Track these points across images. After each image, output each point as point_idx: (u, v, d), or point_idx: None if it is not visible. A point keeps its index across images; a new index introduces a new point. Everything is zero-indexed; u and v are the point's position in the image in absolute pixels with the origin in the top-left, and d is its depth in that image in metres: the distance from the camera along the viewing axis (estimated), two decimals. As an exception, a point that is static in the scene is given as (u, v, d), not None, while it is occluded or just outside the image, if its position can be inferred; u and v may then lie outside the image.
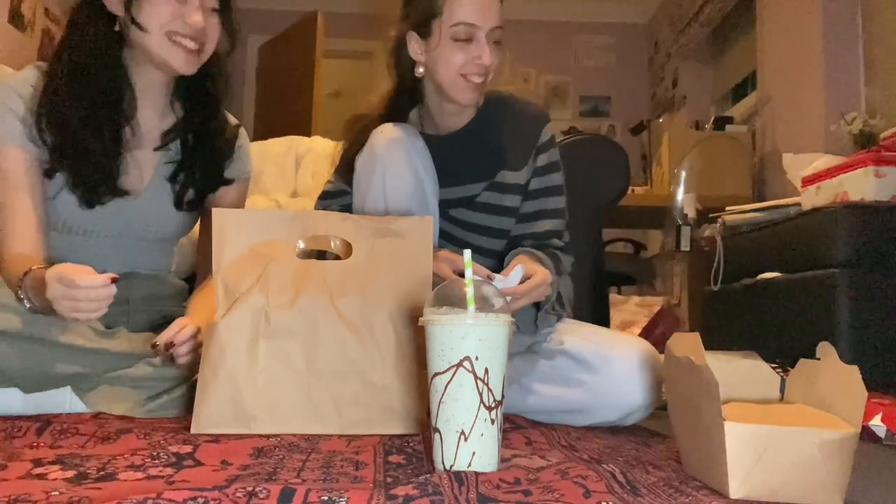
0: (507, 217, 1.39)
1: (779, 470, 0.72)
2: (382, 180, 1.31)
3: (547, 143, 1.42)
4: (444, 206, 1.38)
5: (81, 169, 1.23)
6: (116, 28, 1.25)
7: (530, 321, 1.29)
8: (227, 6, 1.30)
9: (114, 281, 1.06)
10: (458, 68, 1.30)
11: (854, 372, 0.76)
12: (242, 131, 1.46)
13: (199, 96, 1.37)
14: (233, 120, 1.45)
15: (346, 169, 1.41)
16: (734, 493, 0.72)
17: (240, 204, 1.46)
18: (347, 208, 1.38)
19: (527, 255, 1.27)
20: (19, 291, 1.11)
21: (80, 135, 1.21)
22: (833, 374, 0.81)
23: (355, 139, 1.39)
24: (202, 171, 1.36)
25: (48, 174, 1.24)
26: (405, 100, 1.40)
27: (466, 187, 1.39)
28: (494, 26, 1.29)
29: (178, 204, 1.36)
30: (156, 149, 1.33)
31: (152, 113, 1.34)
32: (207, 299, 1.19)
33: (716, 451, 0.74)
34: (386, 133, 1.33)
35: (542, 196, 1.40)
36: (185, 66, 1.26)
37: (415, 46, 1.34)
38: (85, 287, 1.03)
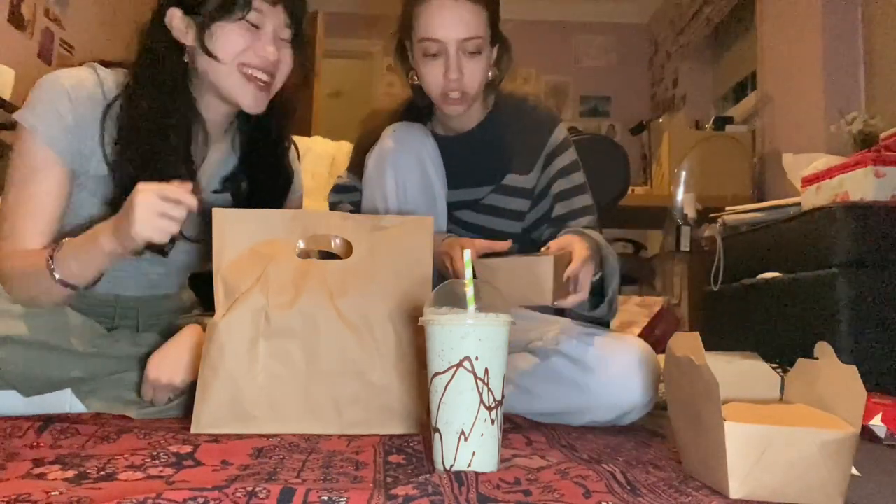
0: (511, 220, 1.39)
1: (779, 470, 0.72)
2: (393, 180, 1.31)
3: (560, 145, 1.40)
4: (450, 207, 1.38)
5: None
6: (185, 59, 1.20)
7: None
8: (300, 37, 1.24)
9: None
10: (432, 85, 1.28)
11: (853, 372, 0.76)
12: (293, 152, 1.39)
13: (262, 135, 1.30)
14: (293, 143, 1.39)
15: (357, 165, 1.40)
16: (734, 494, 0.72)
17: None
18: (358, 205, 1.38)
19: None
20: (50, 262, 1.06)
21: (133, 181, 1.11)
22: (832, 374, 0.81)
23: (368, 136, 1.38)
24: None
25: (112, 204, 1.15)
26: (422, 100, 1.38)
27: (472, 190, 1.39)
28: (464, 38, 1.24)
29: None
30: (214, 191, 1.27)
31: (215, 151, 1.28)
32: None
33: (716, 451, 0.74)
34: (397, 132, 1.33)
35: (570, 196, 1.39)
36: (255, 104, 1.20)
37: (409, 54, 1.34)
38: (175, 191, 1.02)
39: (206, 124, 1.25)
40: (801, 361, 0.88)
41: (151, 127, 1.16)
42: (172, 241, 1.15)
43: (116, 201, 1.12)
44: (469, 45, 1.25)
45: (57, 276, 1.06)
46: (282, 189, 1.35)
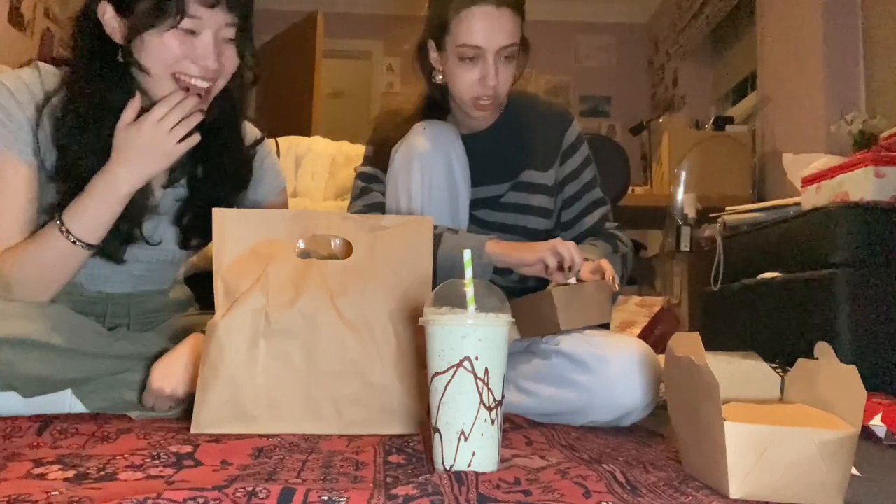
0: (535, 216, 1.40)
1: (779, 470, 0.72)
2: (419, 178, 1.31)
3: (573, 144, 1.44)
4: (469, 207, 1.38)
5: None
6: (119, 59, 1.12)
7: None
8: (247, 30, 1.15)
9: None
10: (466, 89, 1.30)
11: (853, 372, 0.76)
12: (265, 146, 1.35)
13: (212, 122, 1.21)
14: (253, 133, 1.34)
15: (382, 159, 1.39)
16: (734, 494, 0.72)
17: None
18: (384, 195, 1.38)
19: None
20: (61, 225, 1.07)
21: (88, 177, 1.11)
22: (832, 374, 0.81)
23: (389, 133, 1.38)
24: (210, 211, 1.14)
25: (48, 211, 1.14)
26: (440, 98, 1.40)
27: (491, 187, 1.40)
28: (503, 46, 1.26)
29: (185, 245, 1.27)
30: (164, 186, 1.22)
31: None
32: None
33: (716, 451, 0.74)
34: (427, 130, 1.33)
35: (581, 195, 1.45)
36: (197, 108, 1.13)
37: (433, 54, 1.35)
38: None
39: None
40: (800, 361, 0.88)
41: (87, 126, 1.12)
42: (126, 243, 1.17)
43: (62, 204, 1.12)
44: (506, 52, 1.28)
45: (73, 237, 1.07)
46: (238, 178, 1.29)
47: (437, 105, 1.40)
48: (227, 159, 1.27)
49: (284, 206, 1.42)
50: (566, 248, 1.20)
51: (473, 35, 1.26)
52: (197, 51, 1.10)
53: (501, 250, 1.25)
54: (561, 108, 1.49)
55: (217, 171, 1.26)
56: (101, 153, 1.12)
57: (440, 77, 1.35)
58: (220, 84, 1.17)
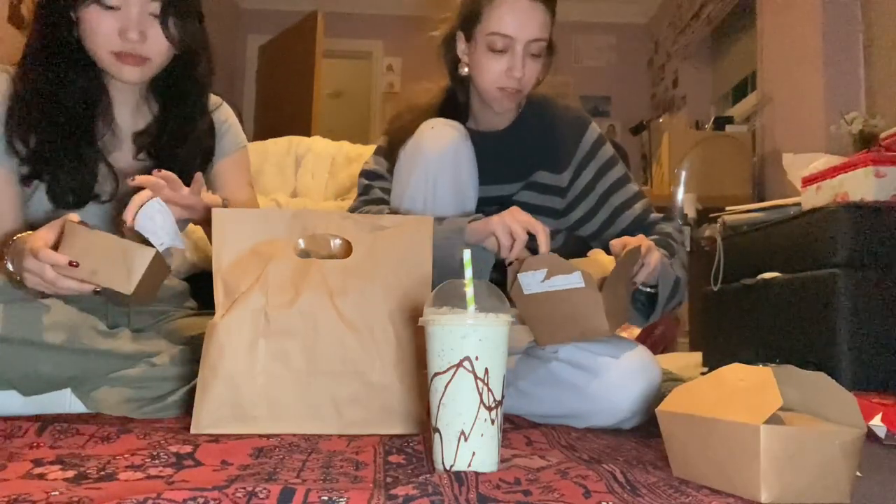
0: (544, 217, 1.39)
1: (804, 471, 0.72)
2: (424, 179, 1.30)
3: (592, 147, 1.42)
4: (479, 203, 1.38)
5: (57, 176, 1.18)
6: (76, 34, 1.19)
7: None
8: (179, 6, 1.19)
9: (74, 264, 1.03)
10: (491, 79, 1.30)
11: (825, 377, 0.78)
12: (223, 108, 1.40)
13: (174, 88, 1.28)
14: (214, 101, 1.39)
15: (392, 151, 1.39)
16: (766, 499, 0.71)
17: (240, 176, 1.41)
18: (389, 194, 1.38)
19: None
20: (6, 256, 1.09)
21: (53, 142, 1.16)
22: (809, 382, 0.81)
23: (405, 127, 1.37)
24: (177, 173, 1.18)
25: (24, 181, 1.19)
26: (460, 94, 1.39)
27: (502, 186, 1.40)
28: (533, 39, 1.27)
29: None
30: (136, 158, 1.27)
31: (127, 112, 1.28)
32: None
33: (741, 456, 0.73)
34: (436, 131, 1.31)
35: (612, 193, 1.41)
36: (132, 77, 1.20)
37: (461, 45, 1.35)
38: (44, 262, 1.02)
39: (119, 93, 1.25)
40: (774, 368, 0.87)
41: (46, 104, 1.16)
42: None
43: (26, 181, 1.17)
44: (534, 46, 1.29)
45: (11, 269, 1.08)
46: (202, 148, 1.32)
47: (455, 100, 1.40)
48: (191, 130, 1.29)
49: (244, 163, 1.43)
50: (514, 220, 1.18)
51: (505, 24, 1.26)
52: (123, 21, 1.15)
53: (470, 228, 1.23)
54: (577, 112, 1.47)
55: (181, 141, 1.28)
56: (54, 129, 1.15)
57: (465, 69, 1.35)
58: (156, 61, 1.20)
